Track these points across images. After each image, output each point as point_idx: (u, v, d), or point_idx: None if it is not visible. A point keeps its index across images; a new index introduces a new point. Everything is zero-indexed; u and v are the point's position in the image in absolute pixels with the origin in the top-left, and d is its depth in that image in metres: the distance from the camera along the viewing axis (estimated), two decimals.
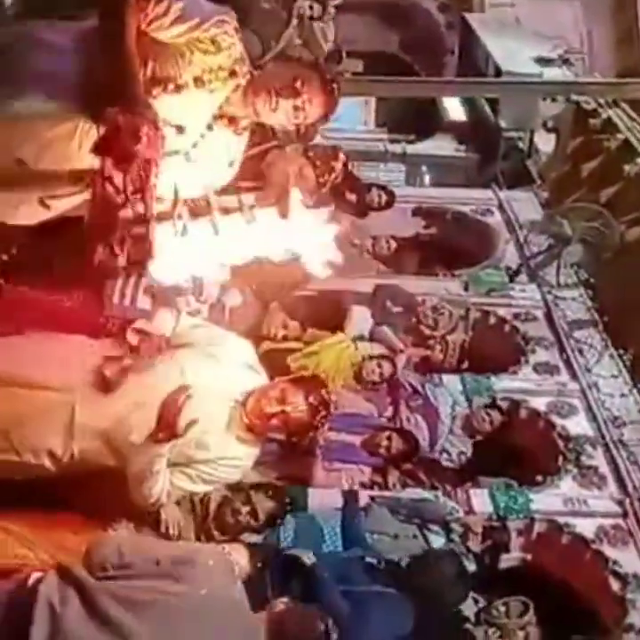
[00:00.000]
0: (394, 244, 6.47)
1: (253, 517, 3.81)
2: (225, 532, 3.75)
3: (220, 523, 3.74)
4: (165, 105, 2.85)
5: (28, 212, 2.98)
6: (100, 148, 2.70)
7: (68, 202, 2.98)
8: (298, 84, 2.97)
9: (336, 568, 3.58)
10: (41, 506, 3.28)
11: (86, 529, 3.30)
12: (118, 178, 2.68)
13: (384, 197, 6.32)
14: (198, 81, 2.89)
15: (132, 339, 3.23)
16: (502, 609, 4.02)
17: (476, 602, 4.08)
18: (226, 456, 3.16)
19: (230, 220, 3.06)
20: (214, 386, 3.18)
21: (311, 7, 6.03)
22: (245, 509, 3.79)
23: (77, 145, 2.81)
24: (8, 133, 2.80)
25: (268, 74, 3.07)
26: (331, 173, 4.66)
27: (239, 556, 3.21)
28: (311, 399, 3.15)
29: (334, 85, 3.06)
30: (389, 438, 4.66)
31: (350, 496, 4.28)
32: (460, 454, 4.83)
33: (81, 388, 3.11)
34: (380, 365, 4.93)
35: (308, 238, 3.00)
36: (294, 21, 5.45)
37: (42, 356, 3.21)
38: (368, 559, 3.81)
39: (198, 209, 3.07)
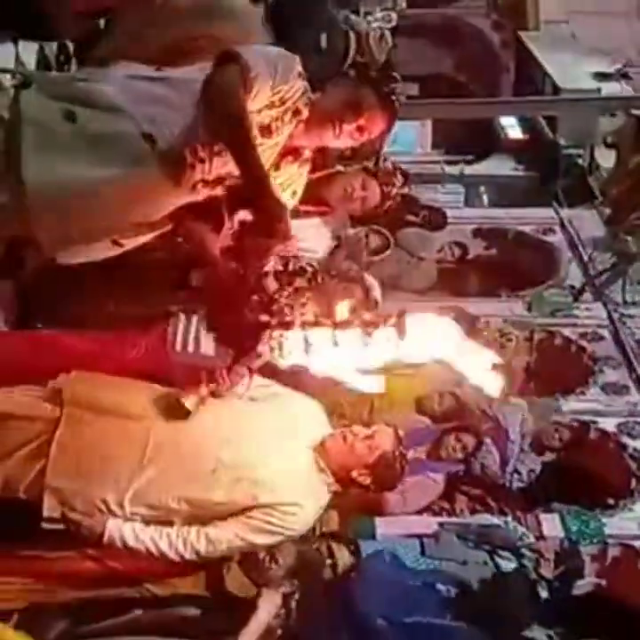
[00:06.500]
0: (457, 251, 6.50)
1: (333, 571, 3.74)
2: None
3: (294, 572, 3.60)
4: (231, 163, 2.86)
5: (99, 250, 3.07)
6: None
7: (137, 240, 3.07)
8: (357, 107, 3.02)
9: (407, 599, 3.56)
10: None
11: None
12: None
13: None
14: (265, 131, 2.89)
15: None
16: None
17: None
18: (286, 501, 3.15)
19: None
20: (280, 424, 3.27)
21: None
22: (328, 562, 3.73)
23: None
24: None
25: (326, 100, 3.07)
26: (394, 184, 4.68)
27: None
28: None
29: (392, 99, 3.10)
30: (458, 439, 4.54)
31: None
32: (530, 472, 4.74)
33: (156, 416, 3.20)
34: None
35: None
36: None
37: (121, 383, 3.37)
38: (439, 586, 3.76)
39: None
